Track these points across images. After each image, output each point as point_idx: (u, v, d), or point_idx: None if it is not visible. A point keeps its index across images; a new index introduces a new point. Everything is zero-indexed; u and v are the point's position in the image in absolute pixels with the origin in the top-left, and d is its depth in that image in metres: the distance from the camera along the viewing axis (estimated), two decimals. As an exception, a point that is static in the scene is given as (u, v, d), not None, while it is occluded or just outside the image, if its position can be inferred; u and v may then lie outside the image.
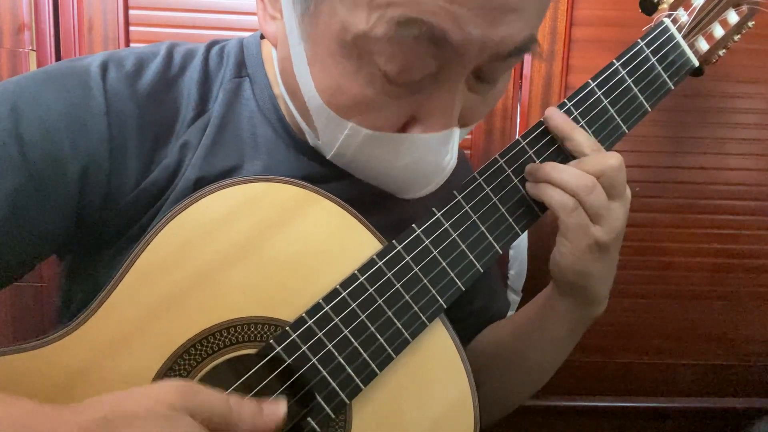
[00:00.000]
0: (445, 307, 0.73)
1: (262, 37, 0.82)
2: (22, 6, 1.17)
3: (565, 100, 0.78)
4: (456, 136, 0.67)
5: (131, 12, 1.21)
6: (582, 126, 0.78)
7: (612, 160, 0.73)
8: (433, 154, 0.67)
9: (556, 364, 0.92)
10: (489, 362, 0.91)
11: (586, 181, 0.72)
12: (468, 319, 0.96)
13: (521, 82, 1.28)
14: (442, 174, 0.71)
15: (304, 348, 0.68)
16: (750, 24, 0.91)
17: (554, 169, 0.73)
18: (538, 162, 0.77)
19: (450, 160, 0.69)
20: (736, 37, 0.90)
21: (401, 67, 0.58)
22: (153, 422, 0.50)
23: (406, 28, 0.55)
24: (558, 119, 0.77)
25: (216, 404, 0.55)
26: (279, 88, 0.76)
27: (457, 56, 0.58)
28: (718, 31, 0.88)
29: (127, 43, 1.22)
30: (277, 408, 0.60)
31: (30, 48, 1.19)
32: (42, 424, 0.50)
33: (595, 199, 0.72)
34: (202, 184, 0.71)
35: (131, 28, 1.22)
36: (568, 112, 0.78)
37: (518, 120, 1.29)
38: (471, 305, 0.95)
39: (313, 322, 0.68)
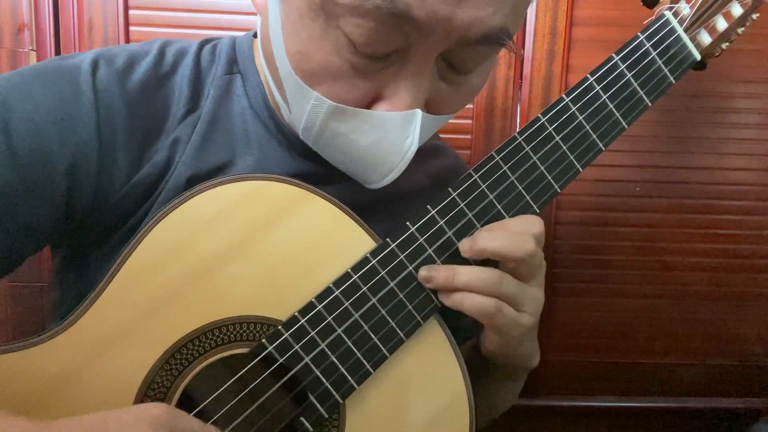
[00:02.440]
0: (440, 306, 0.73)
1: (255, 35, 0.82)
2: (22, 6, 1.18)
3: (563, 95, 0.77)
4: (418, 119, 0.66)
5: (131, 12, 1.21)
6: (580, 122, 0.78)
7: (528, 246, 0.69)
8: (395, 134, 0.67)
9: (506, 400, 0.92)
10: None
11: (495, 278, 0.69)
12: (458, 333, 0.94)
13: (521, 82, 1.28)
14: (404, 158, 0.69)
15: (296, 347, 0.68)
16: (754, 16, 0.89)
17: (458, 275, 0.70)
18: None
19: (411, 143, 0.68)
20: (740, 30, 0.88)
21: (367, 38, 0.59)
22: None
23: None
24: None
25: (195, 430, 0.56)
26: (270, 85, 0.76)
27: (423, 34, 0.58)
28: (721, 24, 0.86)
29: (127, 43, 1.22)
30: None
31: (30, 48, 1.19)
32: None
33: (514, 290, 0.70)
34: (193, 180, 0.71)
35: (131, 28, 1.22)
36: (566, 108, 0.77)
37: (518, 120, 1.29)
38: (467, 318, 0.93)
39: (305, 321, 0.68)
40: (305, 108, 0.67)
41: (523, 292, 0.71)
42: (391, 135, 0.67)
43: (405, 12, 0.56)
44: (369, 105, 0.66)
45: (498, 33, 0.61)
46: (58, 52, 1.21)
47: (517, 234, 0.70)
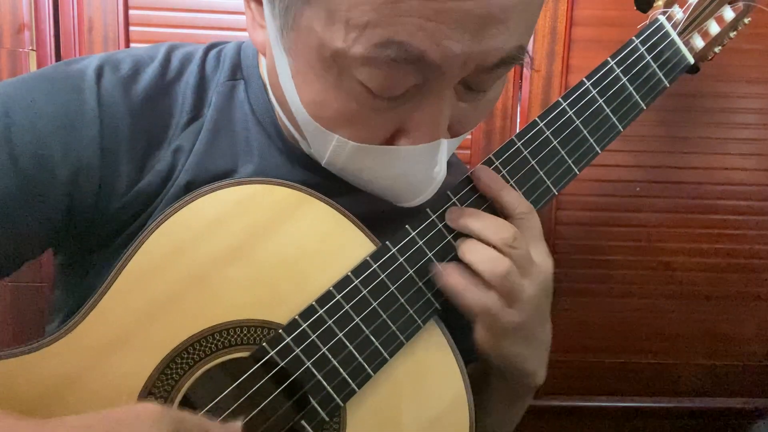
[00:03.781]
0: (440, 309, 0.73)
1: None
2: (22, 6, 1.18)
3: (560, 99, 0.78)
4: (444, 147, 0.66)
5: (131, 12, 1.21)
6: (577, 125, 0.78)
7: (507, 232, 0.70)
8: (422, 165, 0.66)
9: (507, 420, 0.89)
10: None
11: (499, 267, 0.69)
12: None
13: (521, 82, 1.28)
14: (432, 185, 0.69)
15: (297, 351, 0.67)
16: (746, 21, 0.90)
17: (468, 250, 0.71)
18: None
19: (439, 171, 0.68)
20: (732, 34, 0.90)
21: (383, 85, 0.57)
22: None
23: (384, 49, 0.53)
24: (485, 180, 0.74)
25: (194, 423, 0.56)
26: (285, 122, 0.75)
27: (439, 72, 0.56)
28: (714, 28, 0.87)
29: (127, 43, 1.22)
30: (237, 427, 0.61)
31: (30, 48, 1.19)
32: None
33: (506, 283, 0.69)
34: (194, 187, 0.70)
35: (131, 28, 1.22)
36: (563, 112, 0.78)
37: (518, 120, 1.29)
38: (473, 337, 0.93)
39: (306, 325, 0.68)
40: (327, 147, 0.66)
41: (520, 289, 0.71)
42: (418, 166, 0.66)
43: (420, 58, 0.54)
44: (392, 138, 0.65)
45: (515, 54, 0.59)
46: (58, 52, 1.21)
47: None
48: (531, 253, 0.73)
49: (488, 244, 0.70)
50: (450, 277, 0.71)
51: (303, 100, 0.63)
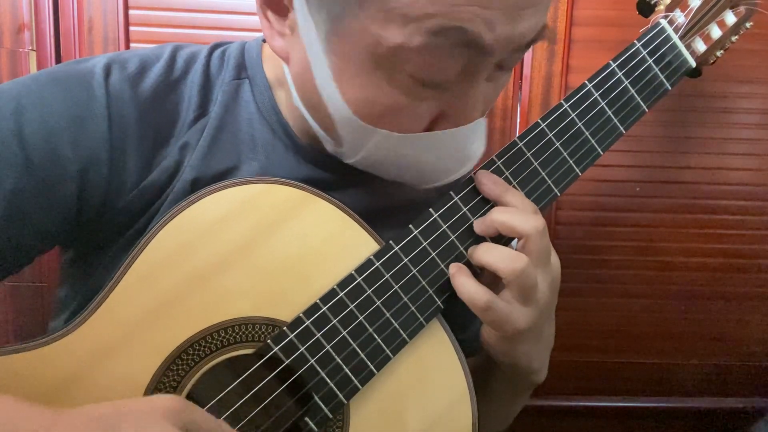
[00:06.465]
0: (443, 308, 0.73)
1: (264, 41, 0.82)
2: (22, 6, 1.18)
3: (562, 101, 0.78)
4: (483, 126, 0.70)
5: (131, 12, 1.21)
6: (579, 127, 0.78)
7: (538, 221, 0.71)
8: (463, 144, 0.69)
9: (506, 414, 0.92)
10: None
11: (517, 264, 0.69)
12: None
13: (521, 82, 1.28)
14: (471, 162, 0.73)
15: (302, 349, 0.68)
16: (747, 25, 0.91)
17: (484, 252, 0.72)
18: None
19: (479, 147, 0.72)
20: (734, 38, 0.90)
21: (435, 73, 0.60)
22: (148, 429, 0.51)
23: (443, 36, 0.56)
24: (488, 183, 0.74)
25: (208, 423, 0.57)
26: (279, 90, 0.77)
27: (487, 54, 0.60)
28: (716, 32, 0.88)
29: (127, 43, 1.22)
30: None
31: (30, 48, 1.19)
32: (32, 424, 0.50)
33: (523, 280, 0.69)
34: (198, 184, 0.71)
35: (131, 28, 1.22)
36: (565, 114, 0.78)
37: (518, 120, 1.29)
38: (464, 333, 0.92)
39: (310, 323, 0.68)
40: (365, 144, 0.68)
41: (532, 289, 0.71)
42: (459, 146, 0.69)
43: (475, 41, 0.57)
44: (432, 124, 0.67)
45: (543, 32, 0.63)
46: (58, 52, 1.21)
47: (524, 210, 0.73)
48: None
49: (518, 232, 0.71)
50: (458, 277, 0.71)
51: (348, 99, 0.64)
